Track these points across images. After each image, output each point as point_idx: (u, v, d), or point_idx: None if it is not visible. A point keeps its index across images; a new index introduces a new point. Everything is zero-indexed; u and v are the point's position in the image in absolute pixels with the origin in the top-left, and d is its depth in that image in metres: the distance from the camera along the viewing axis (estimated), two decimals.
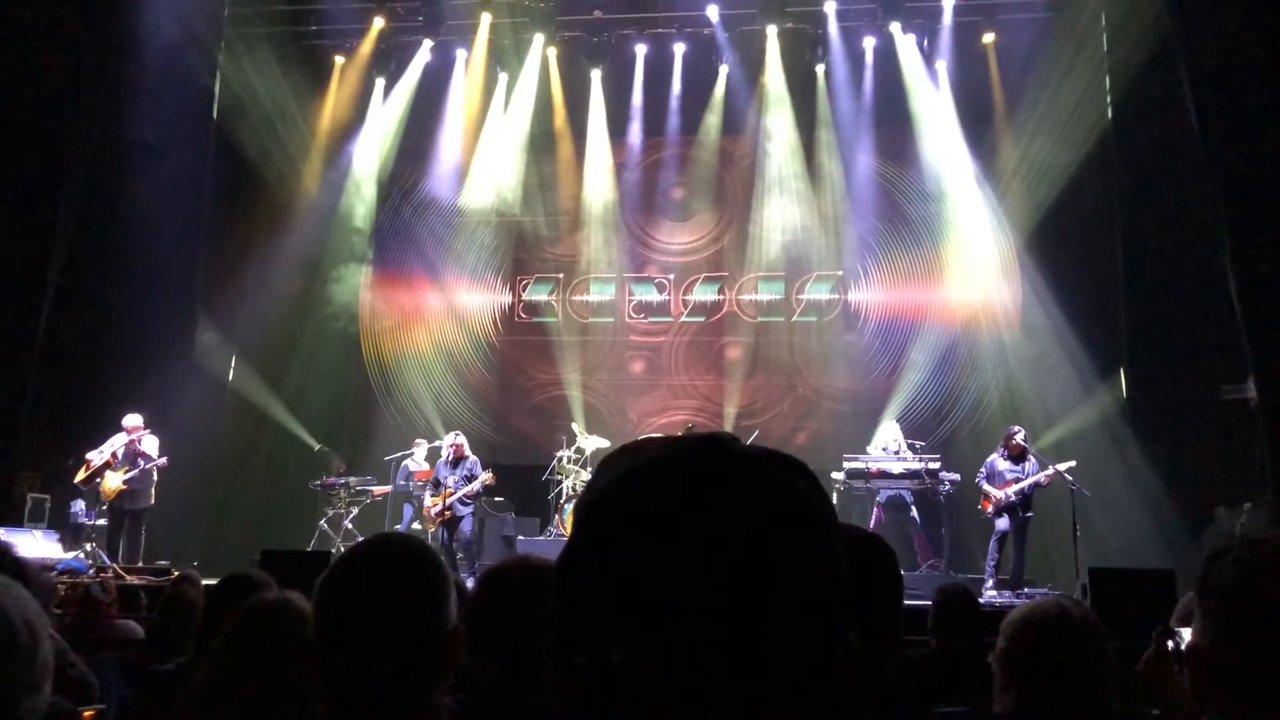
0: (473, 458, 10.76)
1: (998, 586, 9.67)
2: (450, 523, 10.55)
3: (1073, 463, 9.84)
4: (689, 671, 0.64)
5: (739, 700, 0.65)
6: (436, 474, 10.84)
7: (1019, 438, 10.06)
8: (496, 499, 11.73)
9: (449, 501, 10.48)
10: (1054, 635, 2.11)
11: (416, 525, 11.24)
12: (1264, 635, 1.38)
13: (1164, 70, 10.63)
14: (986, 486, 10.11)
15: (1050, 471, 9.80)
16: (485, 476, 10.54)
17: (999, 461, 10.13)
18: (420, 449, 11.70)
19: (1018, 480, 9.96)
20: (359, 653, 1.49)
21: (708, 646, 0.64)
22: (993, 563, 9.88)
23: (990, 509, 10.02)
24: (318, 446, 12.34)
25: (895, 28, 12.62)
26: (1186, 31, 10.20)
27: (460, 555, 10.38)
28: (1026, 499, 9.93)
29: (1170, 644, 1.98)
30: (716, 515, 0.67)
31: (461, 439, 10.86)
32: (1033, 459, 10.01)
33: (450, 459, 10.72)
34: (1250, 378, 9.95)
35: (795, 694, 0.66)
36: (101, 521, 10.62)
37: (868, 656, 0.73)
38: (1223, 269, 9.94)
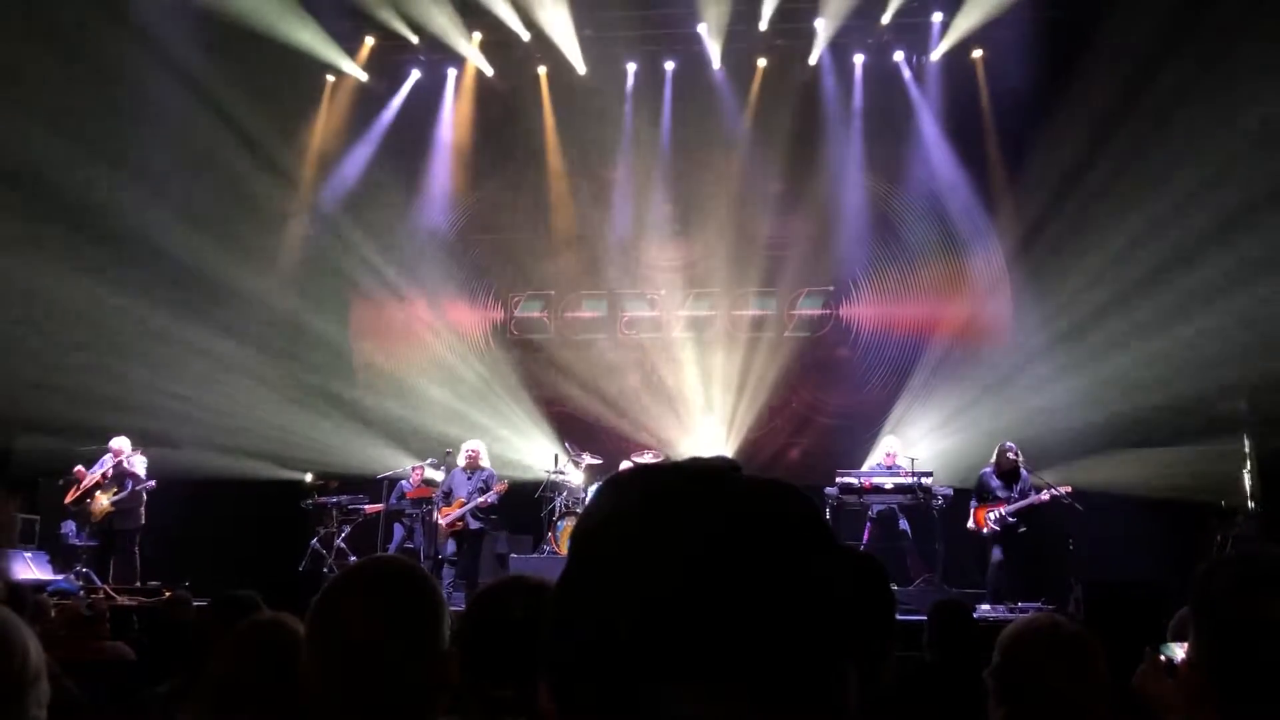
0: (489, 469, 10.64)
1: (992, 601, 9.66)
2: (460, 536, 10.35)
3: (1068, 488, 9.83)
4: (688, 700, 0.64)
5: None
6: (450, 482, 10.63)
7: (1011, 454, 10.08)
8: (490, 516, 11.68)
9: (460, 513, 10.28)
10: (1047, 650, 2.12)
11: (409, 545, 11.18)
12: (1258, 650, 1.39)
13: (1153, 81, 10.72)
14: (974, 506, 10.14)
15: (1044, 497, 9.80)
16: (500, 485, 10.41)
17: (992, 478, 10.16)
18: (417, 475, 11.58)
19: (1009, 500, 9.98)
20: (353, 677, 1.49)
21: (707, 674, 0.64)
22: (991, 589, 9.85)
23: (985, 530, 10.03)
24: (309, 477, 12.25)
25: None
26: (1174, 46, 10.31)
27: (460, 575, 10.19)
28: (1022, 518, 9.95)
29: (1164, 658, 1.98)
30: (715, 546, 0.67)
31: (479, 445, 10.71)
32: (1025, 475, 10.02)
33: (465, 466, 10.57)
34: (1241, 392, 10.02)
35: (792, 711, 0.66)
36: (93, 543, 10.58)
37: (862, 673, 0.73)
38: (1214, 283, 10.02)
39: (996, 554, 9.94)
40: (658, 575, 0.66)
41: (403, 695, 1.50)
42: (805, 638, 0.67)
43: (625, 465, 9.49)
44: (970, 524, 10.15)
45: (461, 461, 10.60)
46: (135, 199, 11.23)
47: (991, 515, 9.96)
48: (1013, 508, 9.91)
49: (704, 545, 0.67)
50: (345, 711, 1.49)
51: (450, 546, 10.31)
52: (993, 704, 2.17)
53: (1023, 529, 9.91)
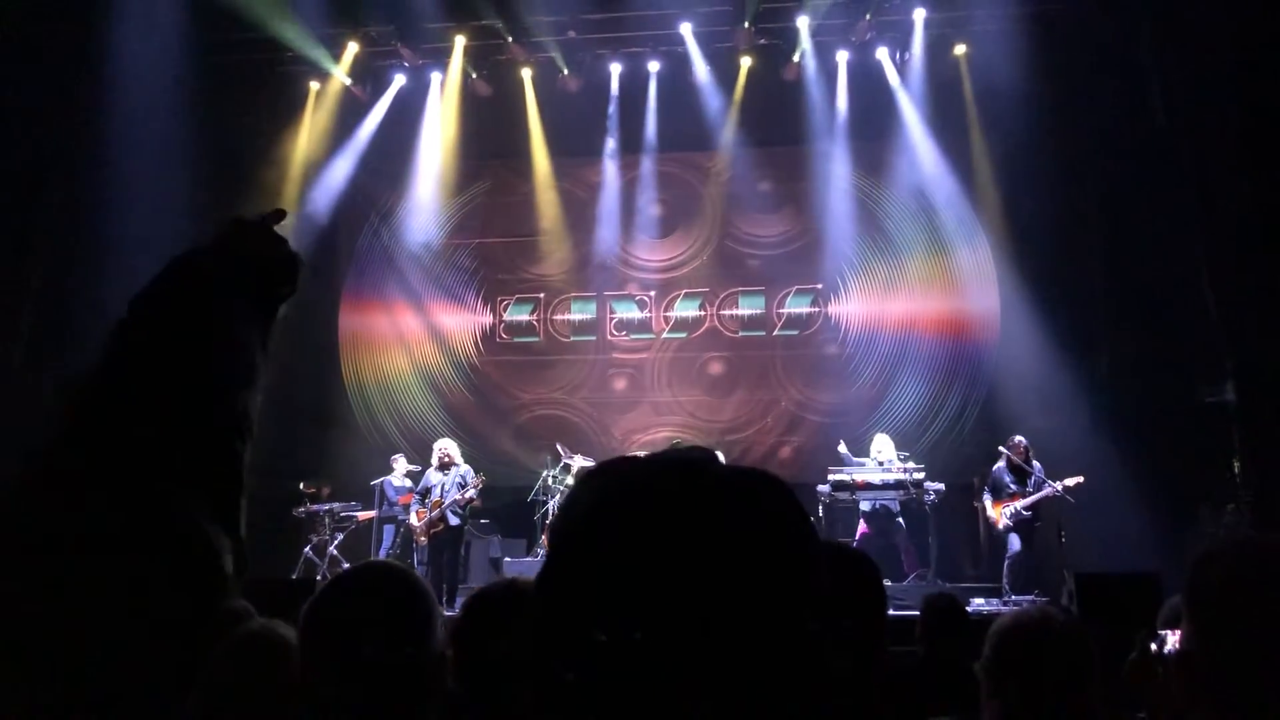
0: (464, 466, 10.68)
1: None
2: (440, 536, 10.35)
3: (1080, 478, 9.87)
4: (669, 689, 0.64)
5: (720, 715, 0.65)
6: (425, 483, 10.67)
7: (1022, 448, 10.12)
8: (482, 521, 11.67)
9: (441, 511, 10.30)
10: (1038, 642, 2.12)
11: (396, 551, 11.15)
12: (1252, 639, 1.39)
13: (1137, 73, 10.76)
14: (988, 504, 10.16)
15: (1059, 487, 9.84)
16: (477, 480, 10.45)
17: (1004, 473, 10.18)
18: (399, 462, 11.62)
19: (1023, 494, 10.01)
20: (345, 681, 1.48)
21: (687, 664, 0.64)
22: (1009, 583, 9.85)
23: (1001, 525, 10.06)
24: (301, 485, 12.18)
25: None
26: (1159, 38, 10.34)
27: (447, 581, 10.20)
28: (1037, 511, 9.99)
29: (1155, 646, 1.99)
30: (692, 536, 0.67)
31: (451, 444, 10.76)
32: (1037, 467, 10.07)
33: (438, 466, 10.59)
34: (1229, 381, 10.06)
35: (775, 705, 0.66)
36: None
37: (851, 667, 0.73)
38: (1199, 274, 10.06)
39: (1015, 545, 9.95)
40: (635, 570, 0.66)
41: (395, 699, 1.50)
42: (785, 622, 0.67)
43: None
44: (989, 518, 10.20)
45: (434, 462, 10.63)
46: (117, 202, 11.16)
47: (1007, 510, 10.00)
48: (1028, 501, 9.95)
49: (680, 538, 0.67)
50: (338, 717, 1.48)
51: (429, 553, 10.33)
52: (985, 696, 2.17)
53: (1038, 523, 9.96)
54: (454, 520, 10.40)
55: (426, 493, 10.54)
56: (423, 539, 10.43)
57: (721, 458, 0.82)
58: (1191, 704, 1.45)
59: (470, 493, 10.41)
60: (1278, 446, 9.36)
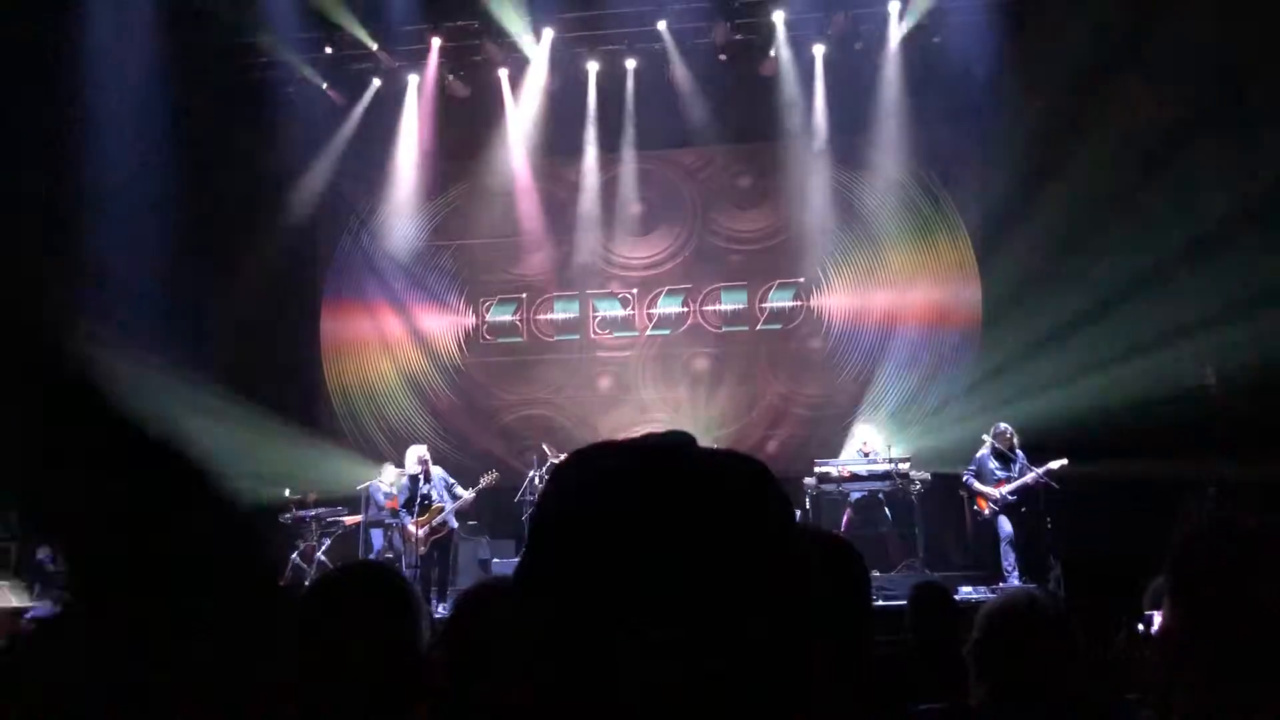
0: (441, 470, 10.77)
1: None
2: (441, 541, 10.46)
3: (1064, 461, 9.91)
4: (653, 681, 0.64)
5: (705, 706, 0.64)
6: (412, 490, 10.65)
7: (1007, 435, 10.15)
8: (470, 522, 11.65)
9: (443, 516, 10.40)
10: (1024, 625, 2.14)
11: (389, 555, 11.11)
12: (1231, 616, 1.40)
13: (1113, 59, 10.82)
14: (977, 485, 10.19)
15: (1043, 472, 9.88)
16: (488, 479, 10.68)
17: (988, 460, 10.21)
18: (388, 471, 11.59)
19: (1009, 480, 10.04)
20: (331, 682, 1.48)
21: (671, 655, 0.63)
22: (1009, 563, 9.87)
23: (987, 511, 10.08)
24: (287, 492, 12.10)
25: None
26: (1131, 21, 10.41)
27: (436, 582, 10.26)
28: (1022, 496, 10.03)
29: (1140, 626, 2.01)
30: (672, 523, 0.66)
31: (424, 450, 10.81)
32: (1020, 455, 10.11)
33: (422, 475, 10.61)
34: (1209, 364, 10.13)
35: (761, 694, 0.66)
36: None
37: (838, 654, 0.73)
38: (1178, 257, 10.13)
39: (1006, 527, 9.97)
40: (614, 557, 0.66)
41: (380, 698, 1.49)
42: (768, 609, 0.67)
43: None
44: (976, 504, 10.24)
45: (416, 469, 10.62)
46: (92, 209, 11.10)
47: (993, 495, 10.04)
48: (1011, 486, 9.99)
49: (658, 524, 0.66)
50: (322, 716, 1.48)
51: (413, 555, 10.40)
52: (973, 681, 2.18)
53: (1024, 508, 9.99)
54: (454, 523, 10.55)
55: (413, 500, 10.51)
56: (422, 548, 10.43)
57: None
58: (1173, 680, 1.46)
59: (469, 494, 10.56)
60: (1258, 429, 9.41)
